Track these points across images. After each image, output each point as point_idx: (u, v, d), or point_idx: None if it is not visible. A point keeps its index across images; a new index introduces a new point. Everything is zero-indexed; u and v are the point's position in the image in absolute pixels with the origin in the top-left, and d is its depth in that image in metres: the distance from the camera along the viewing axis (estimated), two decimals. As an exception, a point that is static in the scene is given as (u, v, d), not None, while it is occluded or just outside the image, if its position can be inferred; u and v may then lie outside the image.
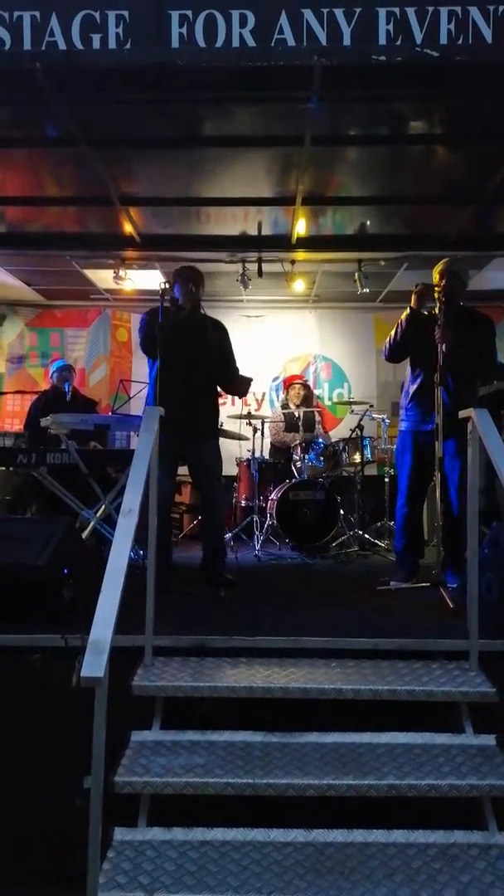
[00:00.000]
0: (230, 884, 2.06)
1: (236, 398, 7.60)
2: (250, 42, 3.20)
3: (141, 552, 3.74)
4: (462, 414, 2.91)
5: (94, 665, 1.90)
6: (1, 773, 2.72)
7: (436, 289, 3.91)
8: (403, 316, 3.99)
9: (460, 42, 3.19)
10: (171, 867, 2.12)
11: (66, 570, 3.13)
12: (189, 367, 3.54)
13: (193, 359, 3.57)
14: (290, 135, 4.10)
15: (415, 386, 4.04)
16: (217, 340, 3.99)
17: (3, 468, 5.79)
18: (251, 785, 2.29)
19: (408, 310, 3.98)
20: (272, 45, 3.20)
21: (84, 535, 4.23)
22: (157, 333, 3.72)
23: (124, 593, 2.13)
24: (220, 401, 7.56)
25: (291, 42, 3.20)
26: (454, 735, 2.57)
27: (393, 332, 4.04)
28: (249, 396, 7.60)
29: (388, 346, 4.10)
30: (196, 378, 3.69)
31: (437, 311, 3.82)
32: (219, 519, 4.20)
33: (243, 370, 4.33)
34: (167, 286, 3.91)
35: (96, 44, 3.19)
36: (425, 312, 3.99)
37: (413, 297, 3.98)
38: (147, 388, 4.00)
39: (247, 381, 4.26)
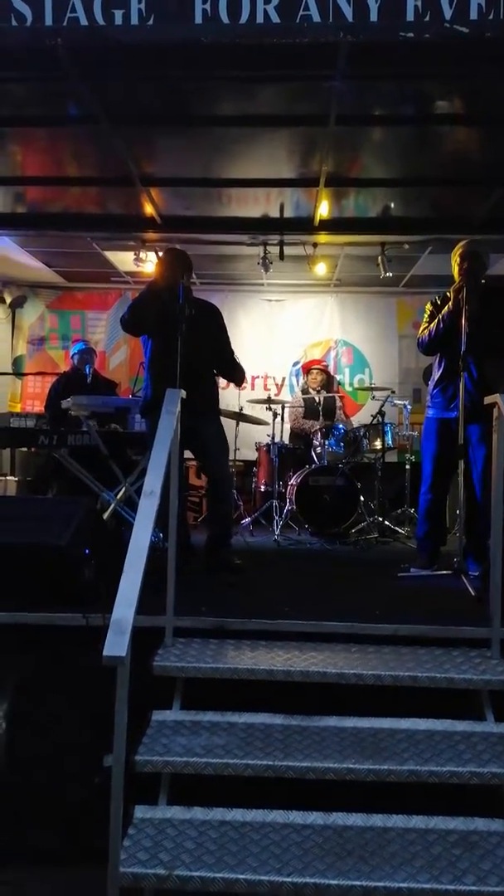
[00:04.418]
0: (249, 864, 2.07)
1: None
2: (275, 18, 3.12)
3: (161, 534, 3.75)
4: (487, 400, 2.86)
5: (116, 644, 1.91)
6: (24, 750, 2.76)
7: (455, 270, 3.83)
8: (444, 310, 3.88)
9: (491, 17, 3.10)
10: (192, 846, 2.13)
11: (87, 551, 3.15)
12: (184, 348, 3.54)
13: (187, 340, 3.57)
14: (314, 114, 4.02)
15: (439, 372, 3.98)
16: (209, 323, 3.98)
17: (25, 449, 5.83)
18: (271, 767, 2.30)
19: (451, 303, 3.84)
20: (297, 21, 3.12)
21: (105, 516, 4.24)
22: (150, 313, 3.79)
23: (144, 574, 2.13)
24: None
25: (317, 18, 3.11)
26: (475, 722, 2.55)
27: (434, 327, 3.92)
28: (269, 381, 7.59)
29: (426, 339, 3.98)
30: (191, 358, 3.68)
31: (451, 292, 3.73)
32: (226, 500, 4.12)
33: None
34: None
35: (118, 20, 3.13)
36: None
37: (453, 294, 3.85)
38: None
39: (240, 370, 4.26)
